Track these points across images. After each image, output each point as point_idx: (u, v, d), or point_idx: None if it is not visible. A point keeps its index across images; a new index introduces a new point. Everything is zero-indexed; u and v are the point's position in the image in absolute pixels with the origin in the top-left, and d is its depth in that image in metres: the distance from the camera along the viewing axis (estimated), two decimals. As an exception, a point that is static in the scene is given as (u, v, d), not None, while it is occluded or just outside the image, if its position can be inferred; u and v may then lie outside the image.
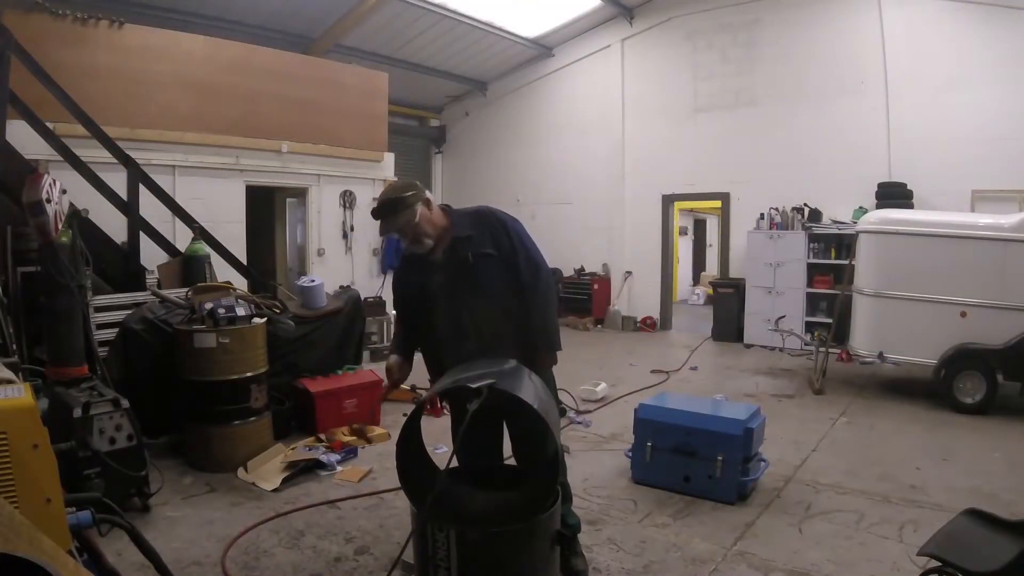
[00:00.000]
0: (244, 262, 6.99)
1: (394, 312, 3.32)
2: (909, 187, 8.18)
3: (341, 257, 9.01)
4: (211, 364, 4.35)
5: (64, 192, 3.97)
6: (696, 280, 16.01)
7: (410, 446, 2.52)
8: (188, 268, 5.80)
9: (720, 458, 3.84)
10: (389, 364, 3.05)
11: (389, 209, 2.71)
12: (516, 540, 2.16)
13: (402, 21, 9.92)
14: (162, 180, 6.30)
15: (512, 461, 3.04)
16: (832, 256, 8.67)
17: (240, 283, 6.24)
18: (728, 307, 9.74)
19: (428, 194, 2.81)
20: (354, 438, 4.98)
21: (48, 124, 5.38)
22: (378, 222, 2.80)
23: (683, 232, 15.71)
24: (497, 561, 2.15)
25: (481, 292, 2.77)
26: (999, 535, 2.20)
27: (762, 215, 9.30)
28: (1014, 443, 5.01)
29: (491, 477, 2.71)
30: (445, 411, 5.83)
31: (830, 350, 6.95)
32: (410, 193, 2.72)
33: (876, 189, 8.35)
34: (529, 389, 2.30)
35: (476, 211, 2.93)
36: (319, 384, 5.26)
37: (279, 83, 8.01)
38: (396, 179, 3.14)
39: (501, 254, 2.79)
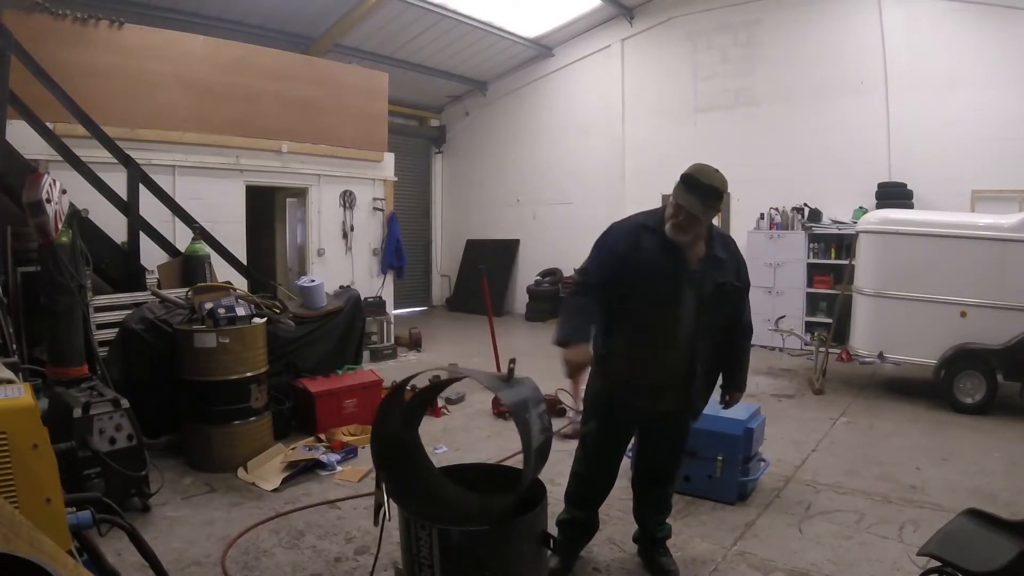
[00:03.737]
0: (244, 262, 6.99)
1: (577, 277, 2.89)
2: (909, 187, 8.19)
3: (341, 257, 9.01)
4: (211, 364, 4.35)
5: (64, 192, 3.97)
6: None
7: (387, 428, 2.44)
8: (188, 268, 5.79)
9: (720, 458, 3.84)
10: (569, 355, 2.55)
11: (717, 197, 2.57)
12: (498, 539, 2.16)
13: (402, 21, 9.92)
14: (162, 180, 6.29)
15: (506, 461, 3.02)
16: (832, 256, 8.67)
17: (240, 283, 6.24)
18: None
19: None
20: (354, 438, 4.98)
21: (48, 124, 5.38)
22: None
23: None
24: (479, 560, 2.15)
25: (710, 319, 2.72)
26: (999, 535, 2.20)
27: (762, 215, 9.30)
28: (1014, 443, 5.01)
29: (487, 478, 2.70)
30: (446, 411, 5.84)
31: (830, 350, 6.95)
32: (722, 195, 2.59)
33: (876, 189, 8.36)
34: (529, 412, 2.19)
35: (723, 234, 2.90)
36: (319, 384, 5.26)
37: (279, 83, 8.01)
38: (705, 165, 2.68)
39: (739, 289, 2.82)
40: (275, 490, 4.06)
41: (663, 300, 2.68)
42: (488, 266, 8.49)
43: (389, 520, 2.34)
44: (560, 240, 11.79)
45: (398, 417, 2.48)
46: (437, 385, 2.80)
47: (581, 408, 3.08)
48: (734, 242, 2.89)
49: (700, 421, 4.05)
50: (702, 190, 2.54)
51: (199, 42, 7.45)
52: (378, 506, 2.32)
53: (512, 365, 2.26)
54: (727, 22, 9.86)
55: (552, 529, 2.51)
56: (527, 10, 10.34)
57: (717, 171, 2.60)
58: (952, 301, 5.92)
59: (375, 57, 10.55)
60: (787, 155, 9.30)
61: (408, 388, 2.56)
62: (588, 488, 3.05)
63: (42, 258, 3.95)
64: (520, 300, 12.42)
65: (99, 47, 6.60)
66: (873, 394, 6.57)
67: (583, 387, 2.85)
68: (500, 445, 4.96)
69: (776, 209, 9.19)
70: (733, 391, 3.02)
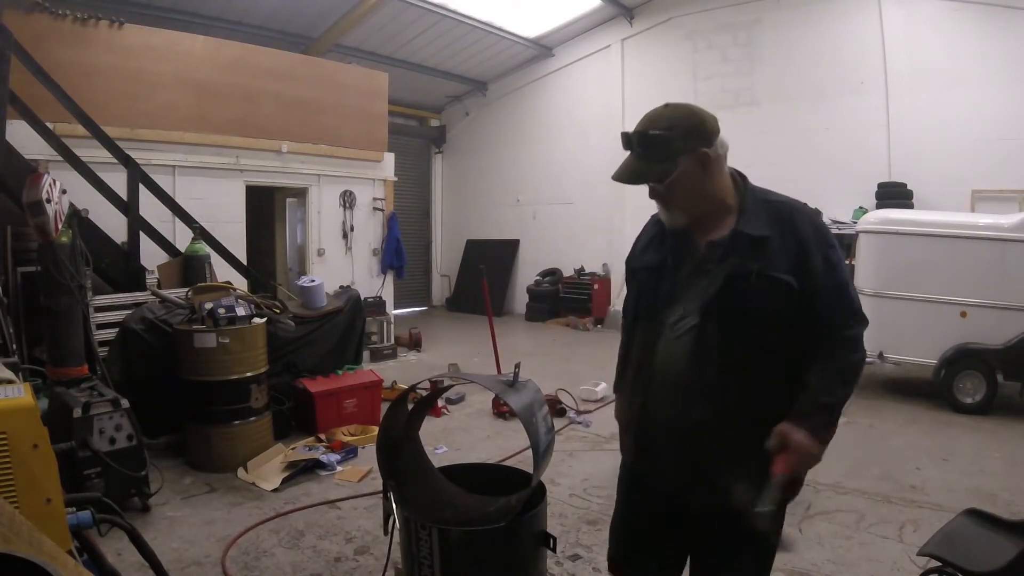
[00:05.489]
0: (244, 262, 7.00)
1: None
2: (909, 187, 8.19)
3: (341, 257, 9.01)
4: (211, 364, 4.35)
5: (64, 192, 3.97)
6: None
7: (393, 437, 2.47)
8: (188, 268, 5.79)
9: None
10: (615, 409, 2.09)
11: (645, 145, 1.69)
12: (497, 540, 2.16)
13: (402, 21, 9.92)
14: (162, 180, 6.30)
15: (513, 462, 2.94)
16: (832, 256, 8.66)
17: (240, 283, 6.24)
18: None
19: (719, 144, 1.71)
20: (354, 437, 4.98)
21: (48, 124, 5.38)
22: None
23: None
24: (478, 560, 2.15)
25: (739, 338, 1.70)
26: (999, 535, 2.20)
27: (762, 215, 9.29)
28: (1014, 443, 5.01)
29: (487, 478, 2.70)
30: (446, 411, 5.84)
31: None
32: (680, 136, 1.66)
33: (876, 189, 8.36)
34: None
35: (781, 202, 1.79)
36: (319, 384, 5.25)
37: (279, 83, 8.01)
38: (678, 103, 1.75)
39: (803, 285, 1.68)
40: (275, 490, 4.06)
41: (647, 316, 1.85)
42: (488, 266, 8.49)
43: (398, 529, 2.36)
44: (560, 240, 11.80)
45: (403, 423, 2.51)
46: (441, 389, 2.79)
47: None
48: (806, 213, 1.77)
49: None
50: (627, 142, 1.74)
51: (199, 42, 7.45)
52: (386, 516, 2.32)
53: (517, 369, 2.28)
54: (727, 22, 9.86)
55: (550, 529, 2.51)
56: (527, 10, 10.34)
57: (670, 105, 1.75)
58: (952, 301, 5.92)
59: (375, 57, 10.55)
60: (787, 155, 9.29)
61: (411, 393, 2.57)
62: None
63: (42, 258, 3.95)
64: (520, 300, 12.42)
65: (99, 47, 6.60)
66: (873, 394, 6.57)
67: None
68: (500, 445, 4.96)
69: (776, 209, 9.19)
70: (798, 426, 1.67)
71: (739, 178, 1.83)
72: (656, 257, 1.86)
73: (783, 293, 1.68)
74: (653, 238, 1.91)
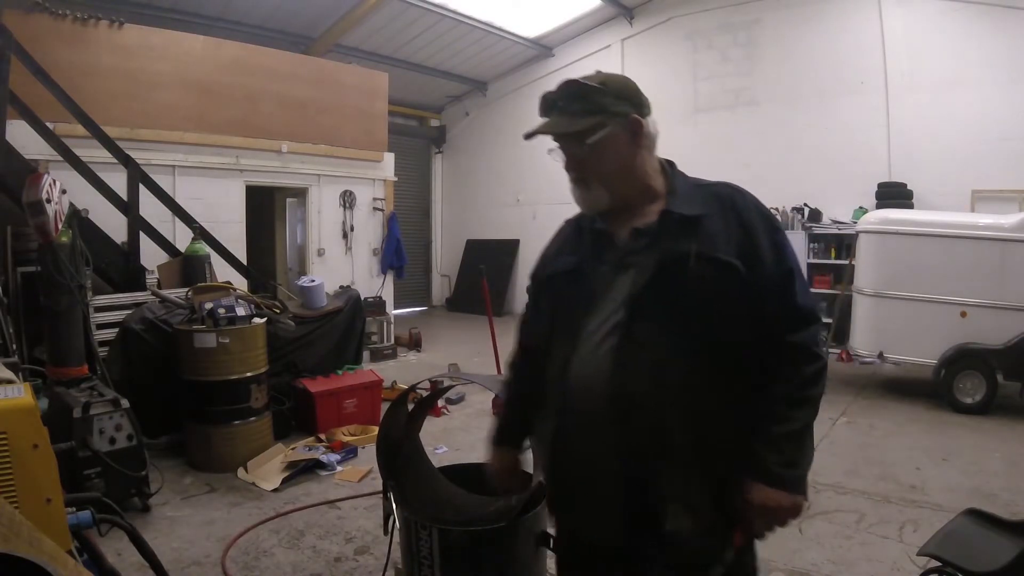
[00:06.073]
0: (244, 262, 7.00)
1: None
2: (909, 187, 8.18)
3: (341, 257, 9.01)
4: (211, 364, 4.35)
5: (64, 192, 3.97)
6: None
7: (393, 437, 2.47)
8: (188, 268, 5.79)
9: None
10: (489, 459, 1.89)
11: (571, 96, 1.52)
12: (497, 540, 2.17)
13: (402, 21, 9.92)
14: (162, 180, 6.30)
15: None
16: (832, 256, 8.66)
17: (240, 283, 6.24)
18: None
19: (650, 122, 1.53)
20: (354, 438, 4.98)
21: (48, 124, 5.38)
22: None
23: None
24: (478, 560, 2.16)
25: (690, 336, 1.40)
26: (999, 535, 2.20)
27: (762, 215, 9.30)
28: (1014, 443, 5.00)
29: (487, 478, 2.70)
30: (446, 411, 5.84)
31: (830, 350, 6.95)
32: (613, 93, 1.52)
33: (876, 189, 8.35)
34: None
35: (719, 184, 1.58)
36: (319, 384, 5.25)
37: (279, 83, 8.01)
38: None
39: (751, 271, 1.41)
40: (275, 490, 4.06)
41: (564, 330, 1.52)
42: (488, 266, 8.48)
43: (398, 529, 2.36)
44: (560, 240, 11.78)
45: (402, 423, 2.50)
46: (441, 389, 2.79)
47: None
48: (749, 196, 1.54)
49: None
50: (545, 104, 1.58)
51: (199, 42, 7.45)
52: (386, 516, 2.32)
53: None
54: (727, 22, 9.86)
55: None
56: (527, 10, 10.33)
57: (602, 72, 1.65)
58: (952, 301, 5.92)
59: (375, 57, 10.55)
60: (787, 155, 9.29)
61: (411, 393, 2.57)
62: None
63: (42, 258, 3.95)
64: (520, 300, 12.41)
65: (99, 47, 6.60)
66: (873, 394, 6.57)
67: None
68: (500, 445, 4.95)
69: (776, 209, 9.14)
70: (752, 479, 1.40)
71: (667, 165, 1.60)
72: (572, 259, 1.57)
73: (729, 279, 1.40)
74: (567, 241, 1.65)
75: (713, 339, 1.40)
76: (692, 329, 1.40)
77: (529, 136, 1.56)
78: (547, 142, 1.59)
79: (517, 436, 1.81)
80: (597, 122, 1.46)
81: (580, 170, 1.51)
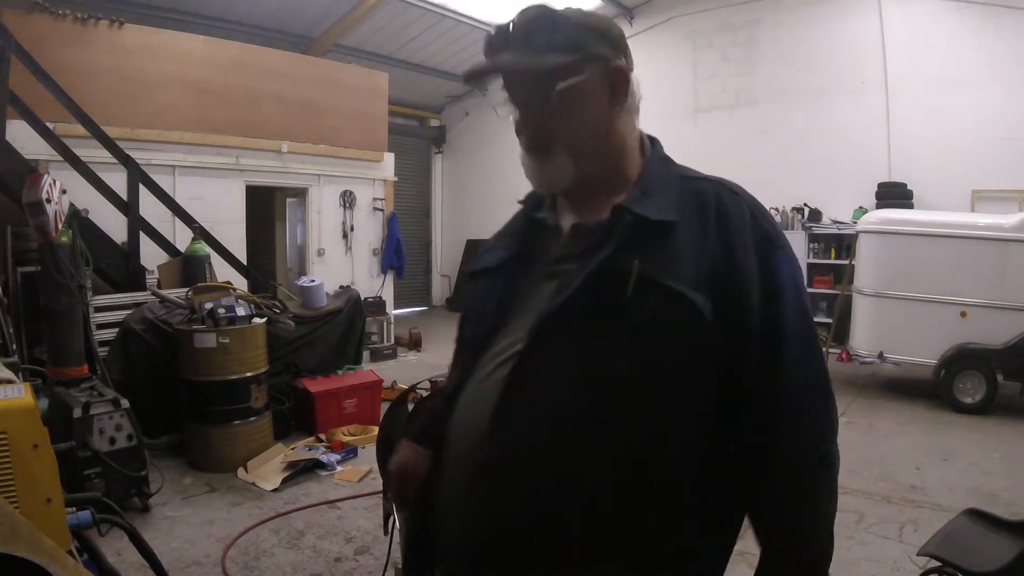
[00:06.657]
0: (244, 262, 7.00)
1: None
2: (909, 187, 8.19)
3: (341, 257, 9.01)
4: (211, 364, 4.35)
5: (64, 192, 3.97)
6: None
7: (393, 437, 2.48)
8: (188, 268, 5.79)
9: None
10: (397, 455, 1.34)
11: (536, 27, 1.06)
12: None
13: (402, 21, 9.92)
14: (162, 180, 6.30)
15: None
16: (832, 256, 8.67)
17: (240, 283, 6.24)
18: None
19: (636, 81, 1.24)
20: (354, 438, 4.98)
21: (48, 124, 5.38)
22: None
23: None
24: None
25: (596, 381, 0.98)
26: (999, 535, 2.20)
27: (762, 215, 9.30)
28: (1014, 443, 5.00)
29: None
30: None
31: (830, 350, 6.95)
32: (592, 32, 1.11)
33: (876, 189, 8.36)
34: None
35: (707, 180, 1.15)
36: (319, 384, 5.25)
37: (279, 83, 8.01)
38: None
39: (721, 317, 0.98)
40: (275, 490, 4.06)
41: (468, 348, 1.18)
42: (488, 266, 8.47)
43: (398, 528, 2.36)
44: (560, 240, 11.76)
45: (402, 423, 2.50)
46: (441, 389, 2.79)
47: None
48: (740, 200, 1.10)
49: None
50: (502, 35, 1.07)
51: (199, 42, 7.45)
52: (386, 515, 2.32)
53: None
54: (727, 22, 9.85)
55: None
56: (527, 10, 10.34)
57: (585, 10, 1.16)
58: (952, 301, 5.92)
59: (375, 57, 10.54)
60: (787, 155, 9.29)
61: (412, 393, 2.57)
62: None
63: (42, 258, 3.94)
64: (520, 300, 12.40)
65: (99, 47, 6.60)
66: (873, 394, 6.57)
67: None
68: (500, 445, 4.95)
69: (776, 209, 9.16)
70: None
71: (648, 144, 1.21)
72: (501, 255, 1.18)
73: (684, 321, 0.95)
74: (509, 230, 1.25)
75: (643, 408, 0.95)
76: (609, 385, 0.96)
77: (474, 76, 1.08)
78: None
79: (439, 439, 1.19)
80: (572, 61, 1.04)
81: (538, 130, 1.08)
